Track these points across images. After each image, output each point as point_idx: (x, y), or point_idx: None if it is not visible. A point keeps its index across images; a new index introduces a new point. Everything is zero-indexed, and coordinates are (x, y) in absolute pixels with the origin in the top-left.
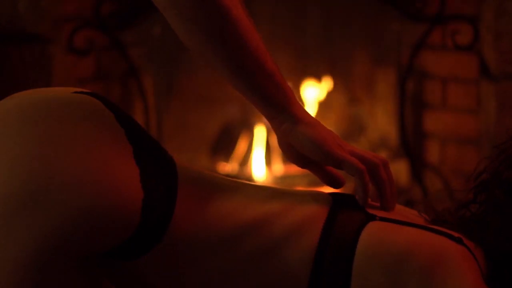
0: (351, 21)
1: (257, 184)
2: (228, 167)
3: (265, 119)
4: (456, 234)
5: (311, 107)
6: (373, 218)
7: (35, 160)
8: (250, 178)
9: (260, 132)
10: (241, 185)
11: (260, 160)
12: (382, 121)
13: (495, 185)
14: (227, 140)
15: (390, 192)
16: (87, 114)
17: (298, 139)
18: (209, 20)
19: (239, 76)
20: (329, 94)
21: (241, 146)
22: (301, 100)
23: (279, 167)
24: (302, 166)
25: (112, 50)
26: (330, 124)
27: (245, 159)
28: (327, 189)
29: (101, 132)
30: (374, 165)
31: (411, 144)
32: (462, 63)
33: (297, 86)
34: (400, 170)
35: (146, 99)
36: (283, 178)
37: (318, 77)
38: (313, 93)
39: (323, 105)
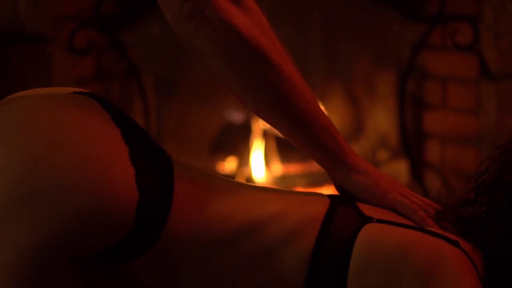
0: (351, 21)
1: (255, 185)
2: (228, 167)
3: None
4: (453, 237)
5: None
6: (369, 220)
7: (29, 160)
8: (249, 178)
9: (260, 132)
10: (238, 186)
11: (259, 160)
12: (382, 121)
13: (496, 188)
14: (227, 140)
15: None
16: (83, 115)
17: (352, 187)
18: (264, 79)
19: (296, 130)
20: (329, 94)
21: (240, 146)
22: None
23: (278, 167)
24: None
25: (112, 50)
26: None
27: (245, 159)
28: (326, 190)
29: (96, 133)
30: (427, 211)
31: (411, 144)
32: (462, 63)
33: None
34: (400, 170)
35: (146, 99)
36: (283, 178)
37: (318, 77)
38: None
39: (323, 105)
